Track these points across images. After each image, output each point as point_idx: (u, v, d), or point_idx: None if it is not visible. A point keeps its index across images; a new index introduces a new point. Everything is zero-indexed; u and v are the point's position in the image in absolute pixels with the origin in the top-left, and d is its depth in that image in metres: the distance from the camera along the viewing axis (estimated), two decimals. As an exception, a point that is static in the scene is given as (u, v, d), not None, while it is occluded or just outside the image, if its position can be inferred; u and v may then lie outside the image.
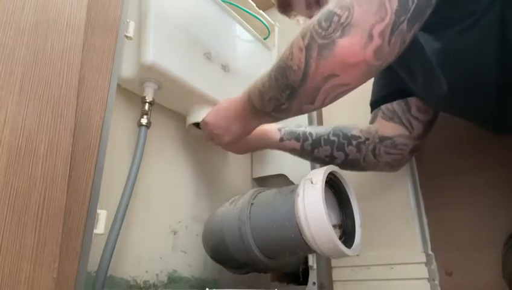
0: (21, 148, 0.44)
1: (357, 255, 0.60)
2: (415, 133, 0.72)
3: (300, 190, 0.58)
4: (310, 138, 0.75)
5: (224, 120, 0.70)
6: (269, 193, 0.66)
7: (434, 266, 0.78)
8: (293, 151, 0.77)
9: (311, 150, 0.75)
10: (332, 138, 0.74)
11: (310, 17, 0.68)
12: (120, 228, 0.61)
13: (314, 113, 1.02)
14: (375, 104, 0.77)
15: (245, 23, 0.96)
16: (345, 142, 0.73)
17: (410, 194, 0.84)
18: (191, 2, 0.81)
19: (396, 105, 0.73)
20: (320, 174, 0.58)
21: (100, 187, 0.55)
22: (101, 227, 0.55)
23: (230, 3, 0.94)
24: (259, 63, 0.98)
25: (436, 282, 0.76)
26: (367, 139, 0.73)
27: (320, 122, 1.02)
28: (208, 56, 0.81)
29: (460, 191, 0.81)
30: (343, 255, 0.56)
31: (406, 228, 0.82)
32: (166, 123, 0.84)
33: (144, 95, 0.73)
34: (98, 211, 0.55)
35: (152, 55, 0.69)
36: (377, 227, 0.83)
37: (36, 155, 0.45)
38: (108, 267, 0.58)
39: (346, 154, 0.73)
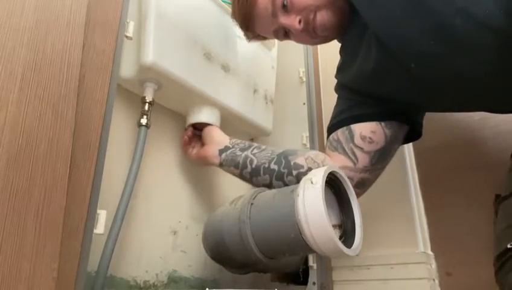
0: (21, 148, 0.44)
1: (357, 255, 0.60)
2: (360, 165, 0.68)
3: (300, 190, 0.58)
4: (249, 166, 0.72)
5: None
6: (269, 193, 0.66)
7: (434, 266, 0.78)
8: (233, 175, 0.76)
9: (249, 178, 0.73)
10: (272, 166, 0.70)
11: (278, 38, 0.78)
12: (120, 228, 0.61)
13: (315, 119, 1.02)
14: (327, 134, 0.75)
15: (245, 23, 0.96)
16: (285, 171, 0.69)
17: (410, 194, 0.84)
18: (191, 2, 0.81)
19: (340, 133, 0.71)
20: (320, 174, 0.58)
21: (100, 187, 0.55)
22: (101, 227, 0.55)
23: (230, 4, 0.94)
24: (259, 63, 0.98)
25: (436, 282, 0.76)
26: (309, 169, 0.68)
27: (320, 124, 1.02)
28: (207, 56, 0.81)
29: (460, 191, 0.81)
30: (343, 255, 0.56)
31: (406, 228, 0.82)
32: (166, 123, 0.84)
33: (144, 95, 0.73)
34: (98, 211, 0.55)
35: (152, 55, 0.69)
36: (377, 227, 0.83)
37: (36, 155, 0.45)
38: (108, 267, 0.58)
39: (286, 185, 0.69)
